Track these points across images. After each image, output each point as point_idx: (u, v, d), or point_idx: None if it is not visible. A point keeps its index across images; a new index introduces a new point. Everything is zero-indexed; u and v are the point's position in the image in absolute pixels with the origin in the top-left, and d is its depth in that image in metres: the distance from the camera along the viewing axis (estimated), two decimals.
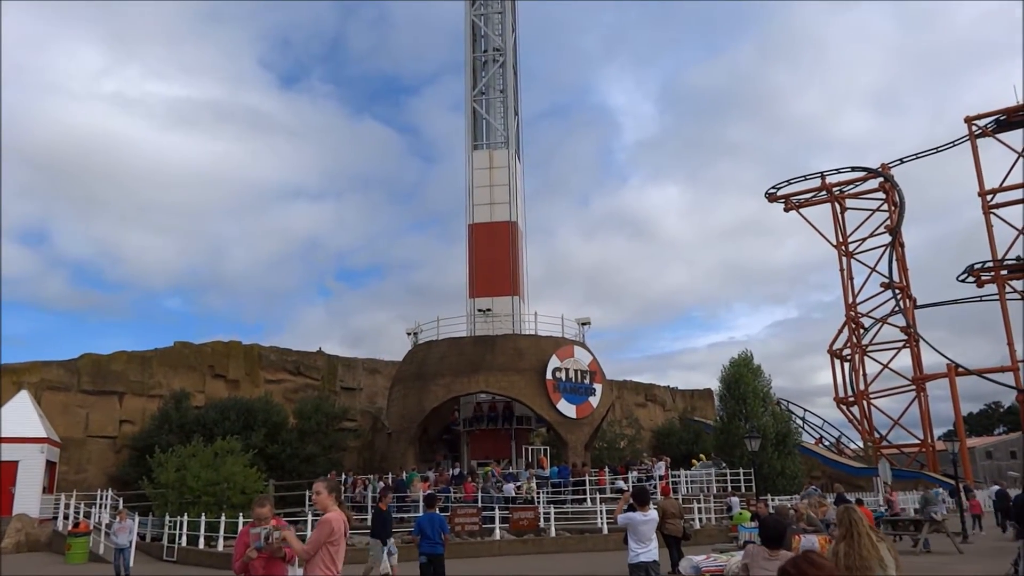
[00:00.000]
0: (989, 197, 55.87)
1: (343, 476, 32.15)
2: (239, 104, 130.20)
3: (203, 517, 23.68)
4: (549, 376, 32.58)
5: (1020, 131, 56.45)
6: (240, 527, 19.14)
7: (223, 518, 23.34)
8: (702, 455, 34.52)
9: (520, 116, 39.80)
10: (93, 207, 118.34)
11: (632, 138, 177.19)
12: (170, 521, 24.55)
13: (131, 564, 19.59)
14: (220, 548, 22.41)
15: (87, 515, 28.29)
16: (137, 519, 23.62)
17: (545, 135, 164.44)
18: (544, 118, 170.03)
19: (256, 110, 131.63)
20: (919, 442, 56.46)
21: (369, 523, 23.48)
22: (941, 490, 28.39)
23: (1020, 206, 55.55)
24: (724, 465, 34.09)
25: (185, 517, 23.93)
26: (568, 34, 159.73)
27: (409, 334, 36.94)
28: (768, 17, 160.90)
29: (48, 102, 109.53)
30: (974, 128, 57.14)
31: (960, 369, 53.88)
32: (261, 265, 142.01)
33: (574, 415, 33.03)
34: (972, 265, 55.82)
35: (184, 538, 23.63)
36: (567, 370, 33.25)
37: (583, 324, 36.24)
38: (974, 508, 29.79)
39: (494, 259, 35.98)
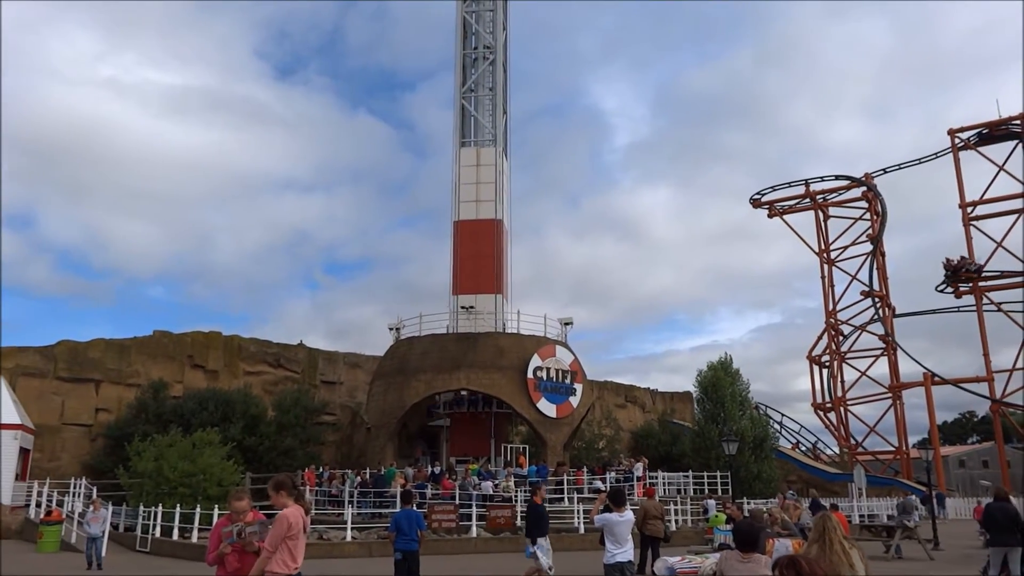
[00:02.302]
0: (970, 209, 56.61)
1: (320, 470, 32.04)
2: (233, 94, 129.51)
3: (178, 508, 23.52)
4: (530, 375, 32.61)
5: (1001, 145, 57.25)
6: (215, 519, 19.04)
7: (198, 510, 23.24)
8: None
9: (509, 115, 39.83)
10: (82, 193, 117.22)
11: (625, 140, 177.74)
12: (144, 511, 24.37)
13: (103, 554, 19.48)
14: (194, 539, 22.31)
15: (60, 503, 28.05)
16: (111, 508, 23.44)
17: (537, 135, 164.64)
18: (537, 118, 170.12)
19: (250, 100, 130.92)
20: (894, 449, 57.15)
21: (348, 519, 23.63)
22: (914, 497, 28.75)
23: (1000, 219, 56.42)
24: None
25: (160, 508, 23.77)
26: (564, 36, 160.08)
27: (391, 329, 36.87)
28: (765, 24, 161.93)
29: (41, 86, 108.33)
30: (957, 141, 57.90)
31: (936, 378, 54.50)
32: (248, 256, 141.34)
33: (554, 414, 33.12)
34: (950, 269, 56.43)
35: (158, 529, 23.48)
36: (548, 369, 33.31)
37: (565, 324, 36.33)
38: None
39: (478, 256, 35.98)
